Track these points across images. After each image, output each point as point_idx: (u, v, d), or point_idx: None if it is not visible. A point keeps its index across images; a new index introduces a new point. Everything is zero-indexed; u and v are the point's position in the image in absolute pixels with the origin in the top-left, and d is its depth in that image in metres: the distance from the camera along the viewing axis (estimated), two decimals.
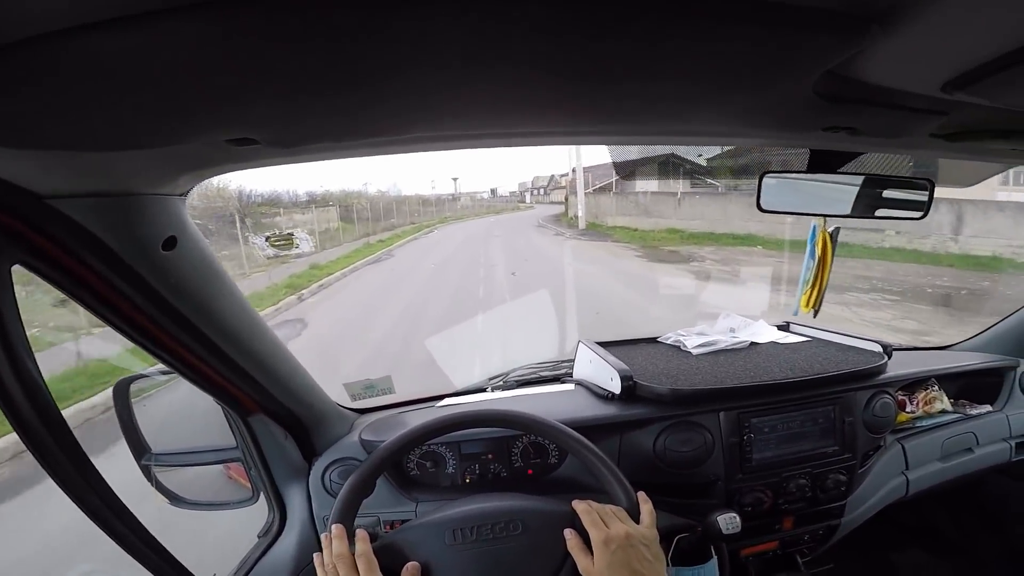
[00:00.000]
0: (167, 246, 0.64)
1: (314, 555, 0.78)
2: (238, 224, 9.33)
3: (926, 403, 1.30)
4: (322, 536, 0.78)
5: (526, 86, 0.46)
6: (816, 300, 0.97)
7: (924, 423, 1.30)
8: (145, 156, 0.51)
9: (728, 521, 0.91)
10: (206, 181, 0.68)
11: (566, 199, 26.87)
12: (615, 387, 1.11)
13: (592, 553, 0.74)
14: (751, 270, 9.20)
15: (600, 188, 20.07)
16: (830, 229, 0.92)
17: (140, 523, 0.76)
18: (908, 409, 1.30)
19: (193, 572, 0.86)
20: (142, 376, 1.02)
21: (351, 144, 0.58)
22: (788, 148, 0.80)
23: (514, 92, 0.47)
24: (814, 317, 0.97)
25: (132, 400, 1.05)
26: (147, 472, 1.08)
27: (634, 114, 0.58)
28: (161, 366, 0.91)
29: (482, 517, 0.79)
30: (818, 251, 0.94)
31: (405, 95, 0.44)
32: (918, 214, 0.83)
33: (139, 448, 1.06)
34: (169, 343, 0.74)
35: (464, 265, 11.24)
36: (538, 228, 20.96)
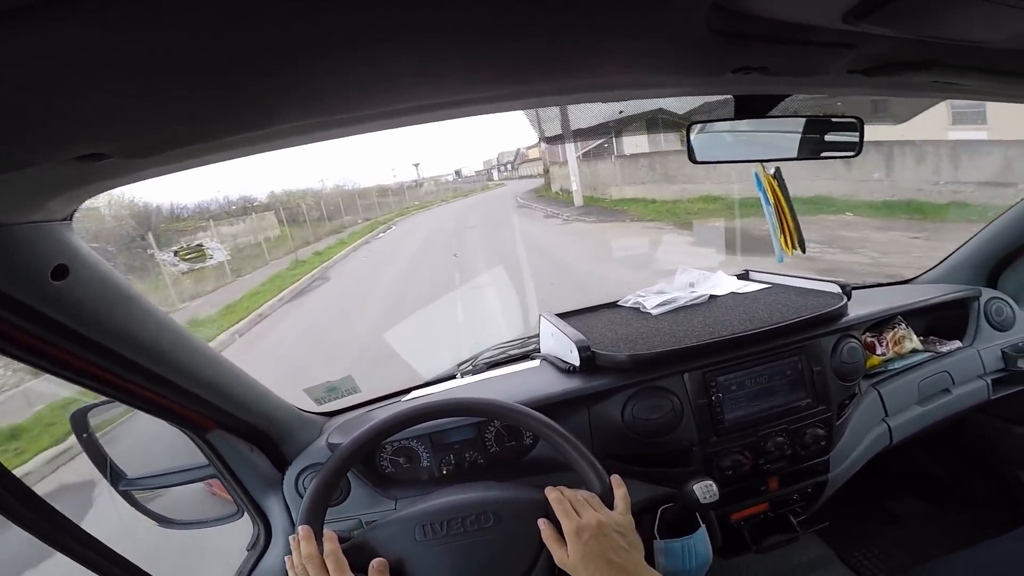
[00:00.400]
0: (57, 276, 0.60)
1: (284, 558, 0.77)
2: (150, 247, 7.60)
3: (895, 343, 1.28)
4: (290, 539, 0.77)
5: (415, 55, 0.43)
6: (792, 239, 0.96)
7: (896, 365, 1.29)
8: None
9: (704, 489, 0.88)
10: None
11: (545, 171, 23.51)
12: (574, 359, 1.09)
13: (566, 543, 0.72)
14: (904, 259, 5.75)
15: (584, 154, 17.25)
16: (771, 172, 0.91)
17: (116, 553, 0.75)
18: (879, 352, 1.28)
19: None
20: (96, 405, 1.01)
21: (223, 144, 0.55)
22: (712, 96, 0.78)
23: (402, 64, 0.44)
24: (803, 253, 0.95)
25: (94, 429, 1.04)
26: (128, 498, 1.08)
27: (536, 74, 0.56)
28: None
29: (452, 510, 0.78)
30: (770, 197, 0.93)
31: (268, 84, 0.41)
32: (851, 153, 0.81)
33: (114, 475, 1.06)
34: (93, 371, 0.71)
35: (427, 294, 6.74)
36: (521, 209, 16.88)
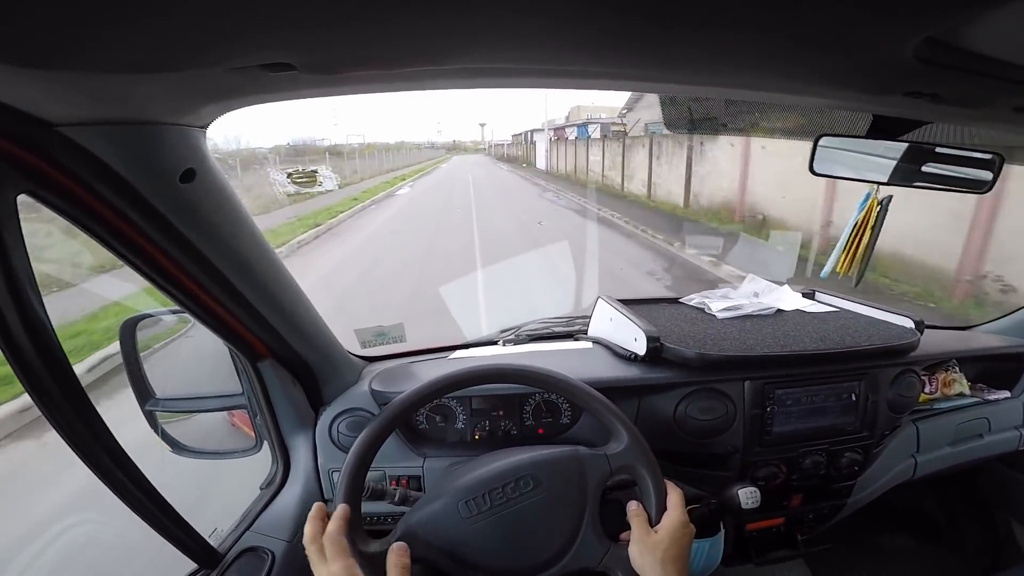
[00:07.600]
0: (185, 179, 0.63)
1: (306, 528, 0.72)
2: None
3: (945, 385, 1.28)
4: (316, 506, 0.73)
5: (591, 22, 0.41)
6: (849, 265, 0.92)
7: (941, 405, 1.28)
8: (167, 82, 0.48)
9: (749, 495, 0.90)
10: None
11: None
12: (639, 348, 1.07)
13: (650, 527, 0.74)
14: None
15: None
16: (882, 196, 0.87)
17: (143, 476, 0.73)
18: (927, 390, 1.27)
19: (195, 527, 0.85)
20: (148, 316, 0.99)
21: (396, 75, 0.53)
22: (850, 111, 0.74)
23: (578, 28, 0.43)
24: (855, 286, 0.93)
25: (138, 342, 1.02)
26: (151, 418, 1.06)
27: (700, 62, 0.53)
28: (172, 306, 0.89)
29: (492, 480, 0.77)
30: (860, 216, 0.89)
31: (464, 21, 0.39)
32: (979, 190, 0.77)
33: (143, 392, 1.03)
34: (183, 281, 0.73)
35: None
36: None
